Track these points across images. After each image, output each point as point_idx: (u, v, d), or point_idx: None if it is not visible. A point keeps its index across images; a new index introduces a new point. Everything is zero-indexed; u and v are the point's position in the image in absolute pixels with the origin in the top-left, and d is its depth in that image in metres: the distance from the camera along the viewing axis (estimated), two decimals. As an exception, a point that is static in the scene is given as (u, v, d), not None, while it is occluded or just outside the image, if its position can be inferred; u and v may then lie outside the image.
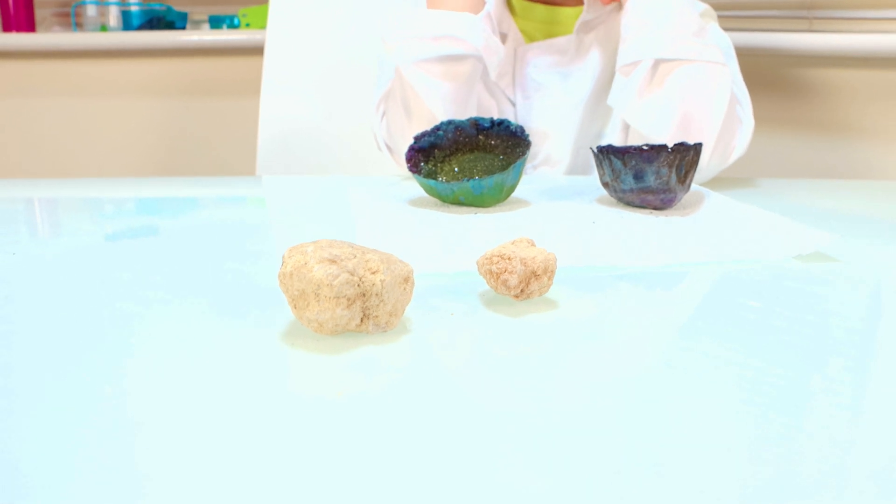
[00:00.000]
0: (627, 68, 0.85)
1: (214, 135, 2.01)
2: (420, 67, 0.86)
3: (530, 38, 1.01)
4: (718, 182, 0.89)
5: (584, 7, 0.97)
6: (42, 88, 2.07)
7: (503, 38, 1.02)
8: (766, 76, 1.57)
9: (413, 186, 0.77)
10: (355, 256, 0.39)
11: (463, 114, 0.88)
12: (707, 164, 0.84)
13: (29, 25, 2.06)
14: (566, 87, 0.98)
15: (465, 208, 0.68)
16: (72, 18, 2.10)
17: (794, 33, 1.56)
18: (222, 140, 2.01)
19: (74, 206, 0.81)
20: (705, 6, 0.98)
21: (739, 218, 0.66)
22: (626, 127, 0.96)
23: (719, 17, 1.76)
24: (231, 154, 2.01)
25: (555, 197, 0.73)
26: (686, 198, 0.73)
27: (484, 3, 0.91)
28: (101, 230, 0.66)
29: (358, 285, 0.38)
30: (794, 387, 0.35)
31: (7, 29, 2.03)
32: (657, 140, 0.82)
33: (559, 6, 1.01)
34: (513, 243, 0.45)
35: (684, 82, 0.82)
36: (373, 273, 0.38)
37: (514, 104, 0.99)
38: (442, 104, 0.86)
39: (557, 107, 0.97)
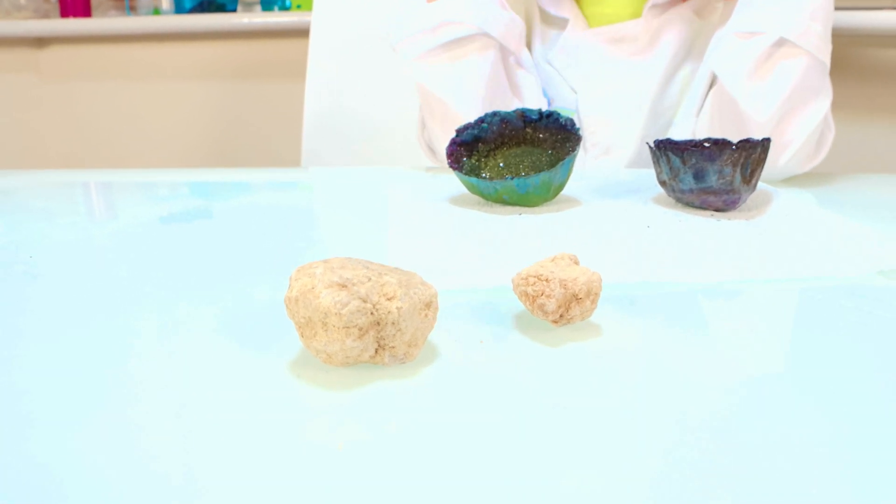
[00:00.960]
0: (746, 35, 0.77)
1: (265, 117, 1.99)
2: (425, 60, 0.82)
3: (595, 22, 0.96)
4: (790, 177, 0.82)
5: None
6: (98, 73, 2.07)
7: (563, 22, 0.97)
8: (843, 58, 1.48)
9: (458, 181, 0.73)
10: (370, 279, 0.34)
11: (491, 102, 0.83)
12: (783, 165, 0.78)
13: (85, 11, 2.06)
14: (633, 74, 0.92)
15: (509, 207, 0.63)
16: (125, 2, 2.09)
17: (879, 11, 1.47)
18: (272, 122, 1.99)
19: (129, 189, 0.78)
20: None
21: (812, 225, 0.59)
22: (700, 114, 0.90)
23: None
24: (280, 136, 1.98)
25: (608, 195, 0.68)
26: (751, 198, 0.67)
27: None
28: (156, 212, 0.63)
29: (371, 313, 0.33)
30: (877, 422, 0.29)
31: (65, 14, 2.03)
32: (751, 125, 0.76)
33: None
34: (552, 260, 0.40)
35: (801, 73, 0.75)
36: (389, 299, 0.34)
37: (575, 91, 0.94)
38: (457, 92, 0.82)
39: (623, 95, 0.92)
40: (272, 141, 1.99)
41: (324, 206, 0.76)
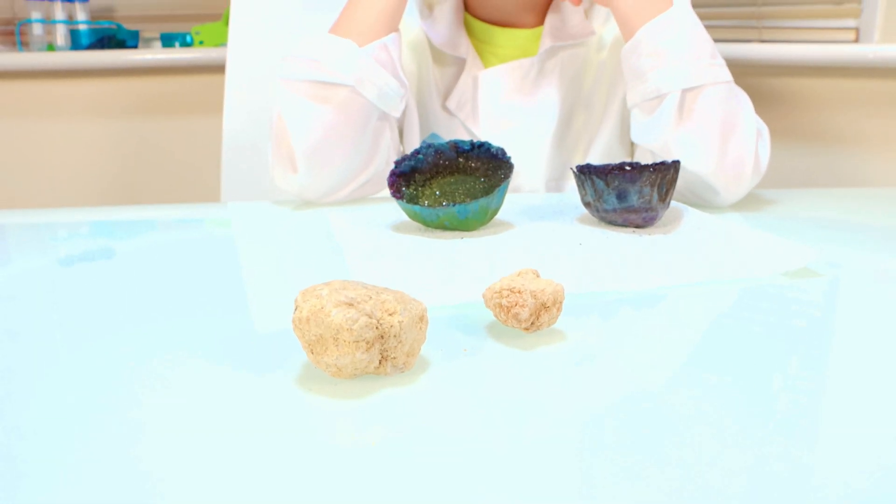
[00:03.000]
0: (651, 103, 0.82)
1: (169, 155, 1.98)
2: (288, 86, 0.83)
3: (490, 63, 0.99)
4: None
5: (546, 29, 0.97)
6: (-12, 110, 2.02)
7: (460, 62, 0.99)
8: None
9: (393, 210, 0.77)
10: (371, 298, 0.38)
11: (354, 153, 0.84)
12: (749, 180, 0.82)
13: (-28, 47, 2.01)
14: (531, 118, 0.96)
15: (449, 233, 0.68)
16: (17, 37, 2.05)
17: (745, 44, 1.60)
18: (178, 160, 1.98)
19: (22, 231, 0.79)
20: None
21: (720, 235, 0.67)
22: (600, 158, 0.96)
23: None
24: (189, 175, 1.98)
25: (536, 217, 0.74)
26: (665, 215, 0.74)
27: (392, 29, 0.86)
28: (57, 255, 0.65)
29: (376, 328, 0.37)
30: (799, 402, 0.35)
31: (-50, 50, 1.98)
32: (701, 170, 0.81)
33: (517, 28, 0.99)
34: (519, 275, 0.45)
35: (715, 107, 0.80)
36: (390, 314, 0.38)
37: (477, 139, 0.94)
38: (309, 127, 0.81)
39: (524, 140, 0.95)
40: (180, 179, 1.99)
41: (259, 247, 0.79)
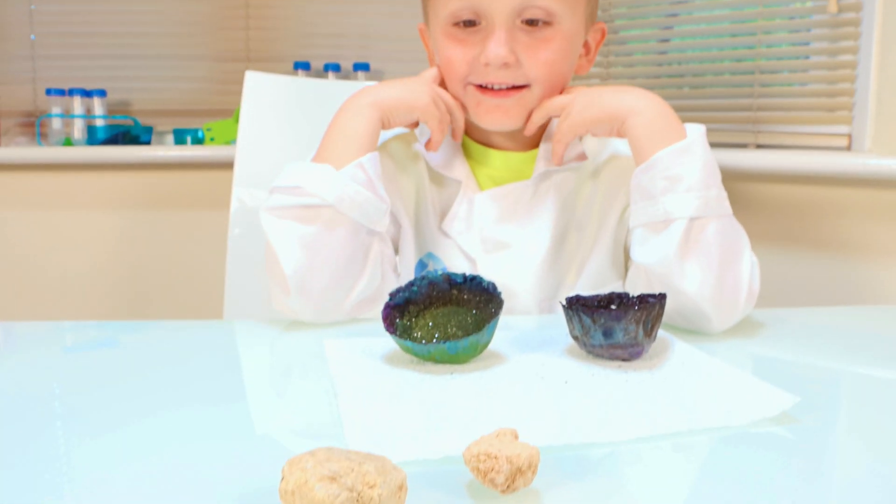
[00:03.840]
0: (657, 225, 0.86)
1: (178, 246, 2.03)
2: (273, 213, 0.88)
3: (485, 185, 1.02)
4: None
5: (541, 153, 1.00)
6: (5, 200, 2.08)
7: (454, 185, 1.02)
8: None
9: (389, 337, 0.80)
10: (353, 470, 0.40)
11: (342, 271, 0.86)
12: (742, 310, 0.86)
13: (-8, 138, 2.08)
14: (524, 241, 0.98)
15: (441, 366, 0.70)
16: (37, 129, 2.12)
17: (741, 152, 1.64)
18: (187, 251, 2.03)
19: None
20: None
21: (703, 374, 0.69)
22: (592, 279, 0.99)
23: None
24: (197, 266, 2.02)
25: (526, 348, 0.76)
26: (653, 346, 0.76)
27: (369, 150, 0.91)
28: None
29: (357, 501, 0.40)
30: None
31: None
32: (697, 297, 0.83)
33: (512, 151, 1.03)
34: (496, 436, 0.48)
35: (718, 238, 0.84)
36: (370, 487, 0.40)
37: (473, 260, 0.99)
38: (295, 250, 0.85)
39: (517, 263, 0.98)
40: (189, 270, 2.03)
41: (254, 369, 0.81)
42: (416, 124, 1.01)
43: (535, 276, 0.98)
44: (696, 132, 0.89)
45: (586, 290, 0.97)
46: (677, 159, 0.86)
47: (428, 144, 1.00)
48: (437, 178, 1.03)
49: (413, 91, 0.96)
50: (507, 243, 0.99)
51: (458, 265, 1.00)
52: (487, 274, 0.92)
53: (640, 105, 0.91)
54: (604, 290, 0.93)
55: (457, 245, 1.00)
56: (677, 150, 0.86)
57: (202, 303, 1.96)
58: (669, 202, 0.85)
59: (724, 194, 0.87)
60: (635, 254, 0.90)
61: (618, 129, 0.93)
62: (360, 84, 1.49)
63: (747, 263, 0.86)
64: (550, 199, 1.00)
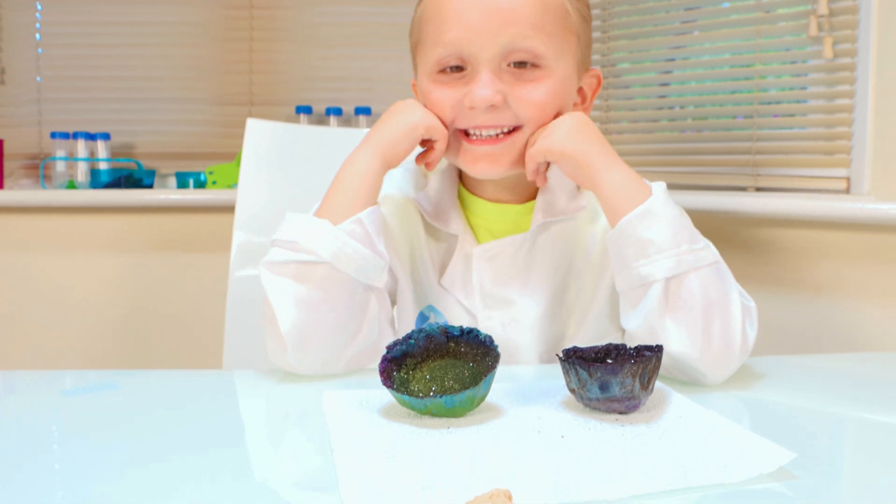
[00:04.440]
0: (637, 292, 0.85)
1: (181, 290, 2.04)
2: (270, 268, 0.87)
3: (483, 238, 1.01)
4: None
5: (538, 204, 0.98)
6: (8, 243, 2.09)
7: (452, 239, 1.01)
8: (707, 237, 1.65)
9: (386, 390, 0.80)
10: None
11: (339, 328, 0.87)
12: (737, 361, 0.85)
13: (-4, 181, 2.09)
14: (525, 296, 0.98)
15: (438, 419, 0.70)
16: (40, 172, 2.14)
17: (740, 196, 1.65)
18: (189, 296, 2.03)
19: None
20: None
21: (701, 428, 0.69)
22: (593, 327, 0.99)
23: (667, 171, 1.85)
24: (198, 309, 2.02)
25: (523, 401, 0.76)
26: (651, 398, 0.76)
27: (369, 205, 0.90)
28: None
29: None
30: None
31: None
32: (687, 356, 0.83)
33: (509, 204, 1.01)
34: (489, 498, 0.48)
35: (699, 292, 0.83)
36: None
37: (474, 315, 0.98)
38: (292, 307, 0.85)
39: (520, 319, 0.97)
40: (191, 313, 2.03)
41: (253, 421, 0.81)
42: (426, 153, 0.98)
43: (536, 331, 0.98)
44: (658, 190, 0.88)
45: (587, 340, 0.98)
46: (642, 223, 0.85)
47: (428, 165, 0.98)
48: (433, 230, 1.02)
49: (405, 112, 0.95)
50: (508, 299, 0.98)
51: (459, 318, 0.99)
52: (489, 330, 0.93)
53: (611, 162, 0.90)
54: (604, 340, 0.95)
55: (457, 300, 0.99)
56: (640, 213, 0.85)
57: (203, 345, 1.96)
58: (643, 267, 0.84)
59: (701, 244, 0.85)
60: (622, 321, 0.89)
61: (588, 182, 0.91)
62: (361, 131, 1.51)
63: (737, 310, 0.84)
64: (549, 250, 0.99)
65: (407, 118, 0.94)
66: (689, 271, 0.83)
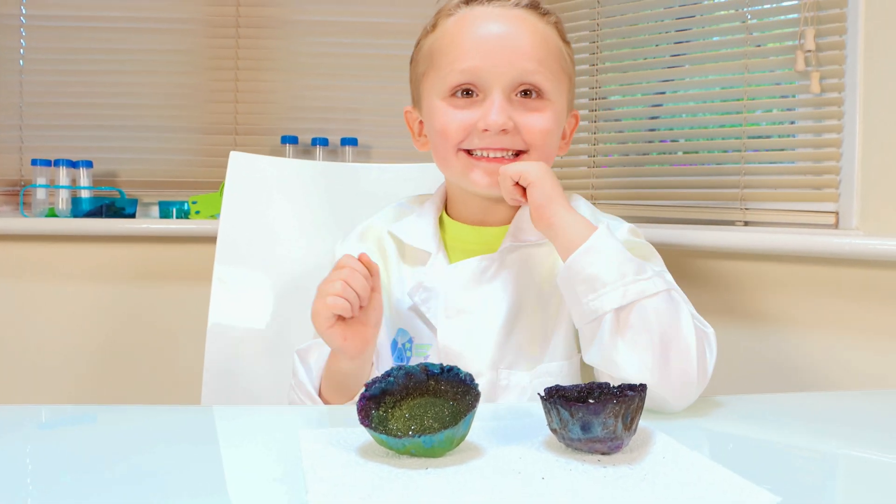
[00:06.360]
0: (591, 326, 0.88)
1: (160, 319, 2.00)
2: (293, 397, 1.03)
3: (455, 257, 1.05)
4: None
5: (511, 229, 1.03)
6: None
7: (426, 256, 1.06)
8: (696, 272, 1.64)
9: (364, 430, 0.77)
10: None
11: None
12: (696, 388, 0.86)
13: (-25, 210, 2.06)
14: (484, 307, 1.01)
15: (416, 459, 0.68)
16: (20, 199, 2.11)
17: (728, 231, 1.64)
18: (170, 326, 2.00)
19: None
20: (627, 226, 1.05)
21: (683, 470, 0.67)
22: (560, 350, 1.01)
23: (655, 205, 1.84)
24: (179, 340, 1.99)
25: (504, 441, 0.74)
26: (634, 438, 0.74)
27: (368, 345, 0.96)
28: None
29: None
30: None
31: (-46, 213, 2.03)
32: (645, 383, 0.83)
33: (487, 227, 1.07)
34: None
35: (650, 319, 0.85)
36: None
37: (434, 328, 1.02)
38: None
39: (475, 328, 1.00)
40: (171, 343, 2.00)
41: (230, 460, 0.79)
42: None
43: (489, 342, 1.00)
44: (601, 227, 0.91)
45: (557, 361, 1.01)
46: (586, 259, 0.88)
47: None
48: (410, 256, 1.08)
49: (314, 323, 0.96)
50: (468, 310, 1.01)
51: (422, 334, 1.03)
52: (445, 338, 0.99)
53: (567, 207, 0.95)
54: (575, 359, 1.01)
55: (420, 315, 1.03)
56: (584, 252, 0.88)
57: (183, 376, 1.92)
58: (592, 302, 0.87)
59: (649, 273, 0.88)
60: (584, 357, 0.92)
61: (547, 216, 0.94)
62: (341, 165, 1.50)
63: (690, 335, 0.86)
64: (515, 271, 1.03)
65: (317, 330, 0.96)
66: (637, 300, 0.85)
